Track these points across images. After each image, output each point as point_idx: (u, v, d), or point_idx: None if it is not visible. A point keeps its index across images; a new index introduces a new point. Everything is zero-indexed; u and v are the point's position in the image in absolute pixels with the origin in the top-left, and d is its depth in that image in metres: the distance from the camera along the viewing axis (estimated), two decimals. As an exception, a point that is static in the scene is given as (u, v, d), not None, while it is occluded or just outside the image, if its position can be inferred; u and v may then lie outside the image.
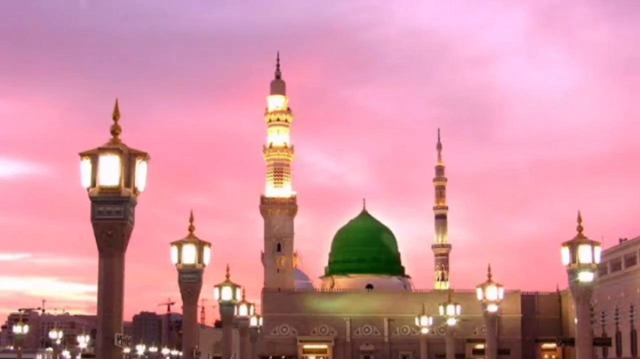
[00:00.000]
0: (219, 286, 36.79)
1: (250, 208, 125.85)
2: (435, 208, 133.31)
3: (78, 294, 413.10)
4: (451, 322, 57.60)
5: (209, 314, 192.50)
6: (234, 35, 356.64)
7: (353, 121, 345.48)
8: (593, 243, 30.92)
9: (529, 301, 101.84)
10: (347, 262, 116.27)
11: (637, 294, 74.40)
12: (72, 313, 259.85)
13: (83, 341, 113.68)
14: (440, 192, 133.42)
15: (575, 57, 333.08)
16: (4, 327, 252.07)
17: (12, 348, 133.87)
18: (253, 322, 55.61)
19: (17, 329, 73.72)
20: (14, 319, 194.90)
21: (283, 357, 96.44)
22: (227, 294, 36.62)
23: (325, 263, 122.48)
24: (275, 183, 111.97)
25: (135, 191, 16.12)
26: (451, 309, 56.61)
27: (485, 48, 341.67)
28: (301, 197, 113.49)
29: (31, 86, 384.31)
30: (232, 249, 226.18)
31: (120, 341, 16.13)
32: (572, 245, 30.79)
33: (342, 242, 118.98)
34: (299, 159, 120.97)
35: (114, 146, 16.10)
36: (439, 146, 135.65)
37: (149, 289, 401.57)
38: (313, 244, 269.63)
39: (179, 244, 26.63)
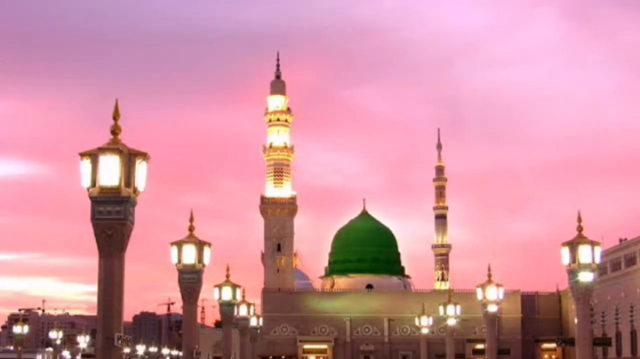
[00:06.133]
0: (219, 286, 36.78)
1: (250, 208, 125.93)
2: (435, 208, 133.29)
3: (78, 294, 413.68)
4: (451, 322, 57.56)
5: (209, 314, 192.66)
6: (234, 35, 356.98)
7: (353, 121, 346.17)
8: (593, 243, 30.88)
9: (529, 301, 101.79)
10: (347, 262, 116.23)
11: (637, 294, 74.38)
12: (72, 313, 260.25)
13: (83, 341, 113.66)
14: (440, 192, 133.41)
15: (574, 57, 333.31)
16: (4, 327, 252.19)
17: (12, 348, 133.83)
18: (253, 322, 55.60)
19: (17, 329, 73.67)
20: (14, 319, 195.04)
21: (283, 357, 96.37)
22: (227, 294, 36.60)
23: (325, 263, 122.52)
24: (275, 183, 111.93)
25: (135, 191, 16.11)
26: (451, 309, 56.57)
27: (485, 48, 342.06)
28: (301, 197, 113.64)
29: (31, 86, 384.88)
30: (232, 249, 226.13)
31: (120, 341, 16.12)
32: (572, 245, 30.75)
33: (342, 242, 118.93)
34: (299, 159, 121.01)
35: (114, 146, 16.09)
36: (439, 146, 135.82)
37: (149, 289, 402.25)
38: (313, 244, 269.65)
39: (179, 244, 26.62)
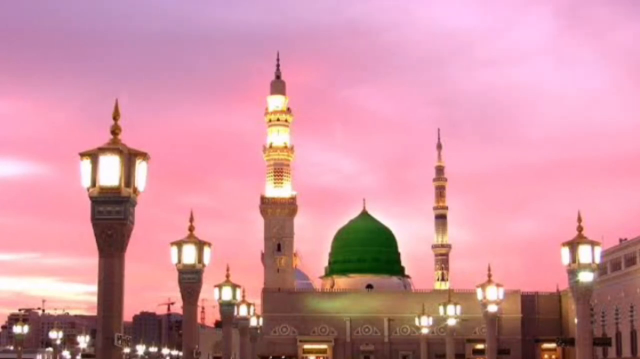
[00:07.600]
0: (219, 286, 36.78)
1: (250, 208, 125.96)
2: (435, 208, 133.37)
3: (78, 294, 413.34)
4: (451, 322, 57.58)
5: (209, 314, 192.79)
6: (234, 35, 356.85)
7: (353, 121, 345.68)
8: (593, 243, 30.88)
9: (529, 301, 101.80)
10: (347, 262, 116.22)
11: (637, 294, 74.40)
12: (72, 313, 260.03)
13: (83, 341, 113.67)
14: (440, 192, 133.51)
15: (574, 57, 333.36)
16: (4, 327, 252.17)
17: (12, 348, 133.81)
18: (253, 322, 55.60)
19: (17, 329, 73.66)
20: (14, 319, 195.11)
21: (283, 357, 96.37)
22: (227, 294, 36.61)
23: (325, 263, 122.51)
24: (275, 183, 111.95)
25: (135, 191, 16.11)
26: (451, 309, 56.59)
27: (486, 49, 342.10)
28: (301, 197, 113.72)
29: (31, 86, 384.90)
30: (232, 249, 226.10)
31: (120, 341, 16.12)
32: (572, 245, 30.76)
33: (342, 242, 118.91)
34: (299, 159, 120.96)
35: (114, 146, 16.09)
36: (439, 146, 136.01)
37: (149, 289, 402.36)
38: (313, 244, 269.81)
39: (179, 244, 26.61)
